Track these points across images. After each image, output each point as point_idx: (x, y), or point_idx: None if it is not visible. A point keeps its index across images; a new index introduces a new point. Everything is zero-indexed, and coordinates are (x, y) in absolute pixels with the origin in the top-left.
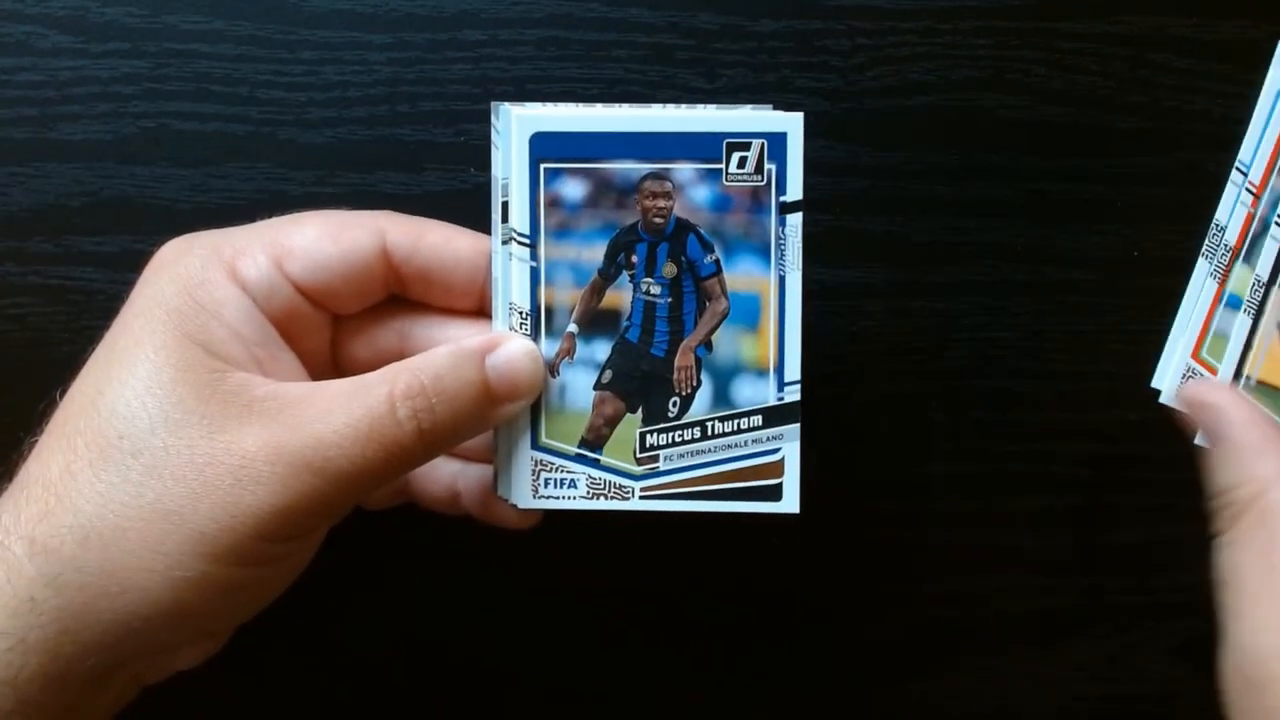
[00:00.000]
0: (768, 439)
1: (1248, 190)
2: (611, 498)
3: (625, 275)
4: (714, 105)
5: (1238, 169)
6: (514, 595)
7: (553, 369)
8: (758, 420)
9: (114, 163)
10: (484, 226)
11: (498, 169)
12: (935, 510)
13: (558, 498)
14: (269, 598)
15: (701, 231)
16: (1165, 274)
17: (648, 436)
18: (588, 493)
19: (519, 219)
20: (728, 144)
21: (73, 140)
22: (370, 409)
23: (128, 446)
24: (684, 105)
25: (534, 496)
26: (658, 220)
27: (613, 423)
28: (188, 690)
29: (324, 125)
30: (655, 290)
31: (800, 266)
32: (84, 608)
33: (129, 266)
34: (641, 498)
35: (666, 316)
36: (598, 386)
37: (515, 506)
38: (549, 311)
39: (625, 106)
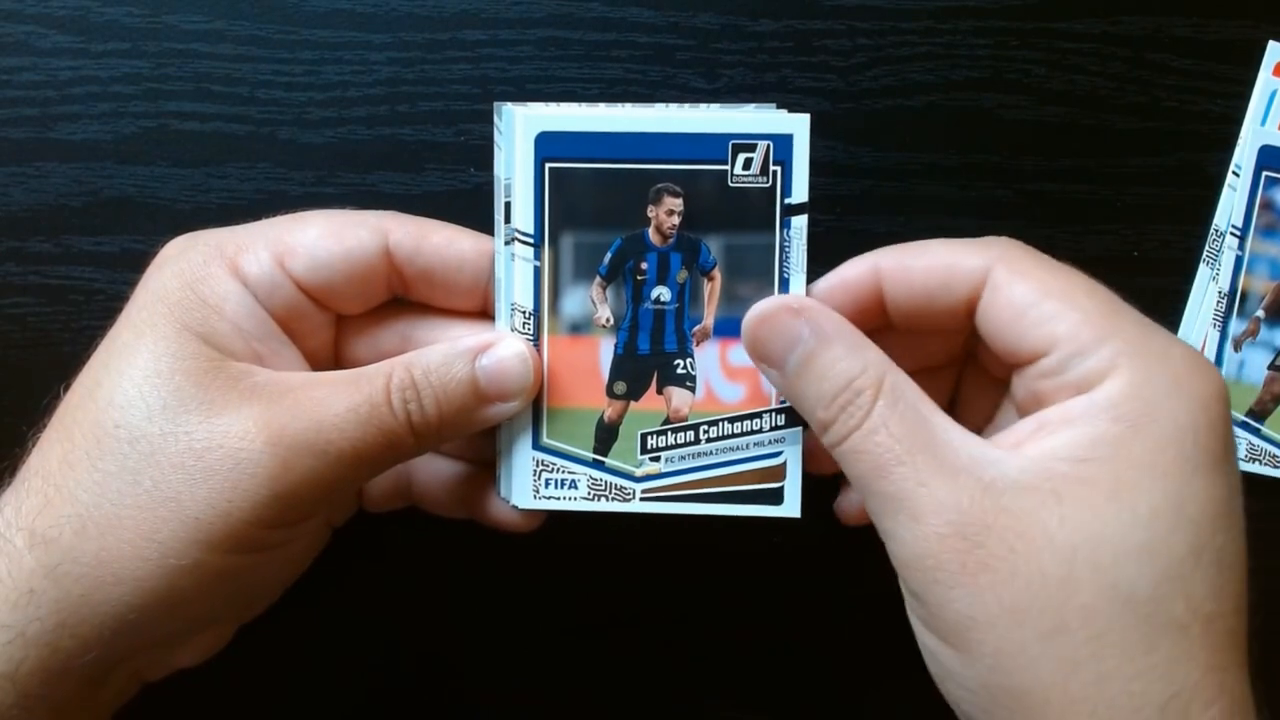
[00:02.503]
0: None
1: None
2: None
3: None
4: (718, 104)
5: (1234, 172)
6: (514, 597)
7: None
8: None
9: (114, 163)
10: (484, 226)
11: (500, 169)
12: None
13: (558, 498)
14: (269, 593)
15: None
16: (1165, 274)
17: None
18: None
19: (522, 219)
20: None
21: (73, 140)
22: (370, 396)
23: (124, 435)
24: (688, 105)
25: (534, 497)
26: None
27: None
28: (189, 688)
29: (324, 125)
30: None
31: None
32: (81, 600)
33: (129, 266)
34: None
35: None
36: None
37: (516, 507)
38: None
39: (629, 106)
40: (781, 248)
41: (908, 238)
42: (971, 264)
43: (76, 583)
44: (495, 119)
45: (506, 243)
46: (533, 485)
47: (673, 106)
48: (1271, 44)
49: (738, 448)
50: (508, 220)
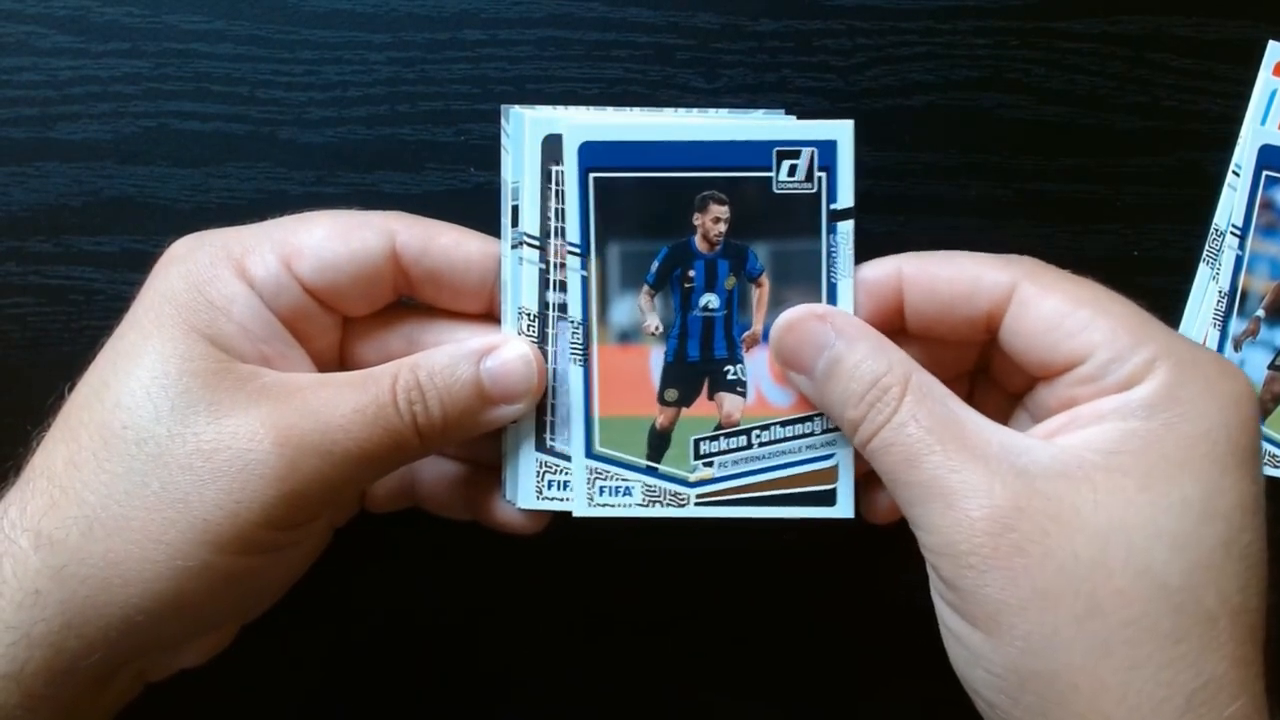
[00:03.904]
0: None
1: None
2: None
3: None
4: (725, 110)
5: (1234, 171)
6: (516, 597)
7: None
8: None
9: (114, 163)
10: (484, 227)
11: (508, 172)
12: None
13: (562, 500)
14: (272, 594)
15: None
16: (1165, 274)
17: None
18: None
19: (529, 222)
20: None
21: (73, 140)
22: (376, 397)
23: (132, 436)
24: (695, 110)
25: (538, 498)
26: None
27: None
28: (191, 688)
29: (324, 125)
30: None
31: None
32: (86, 601)
33: (129, 266)
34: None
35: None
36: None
37: (519, 509)
38: None
39: (639, 111)
40: (829, 253)
41: (908, 238)
42: (996, 278)
43: (82, 584)
44: (503, 122)
45: (514, 246)
46: (536, 486)
47: (710, 112)
48: (1271, 44)
49: (789, 451)
50: (515, 224)
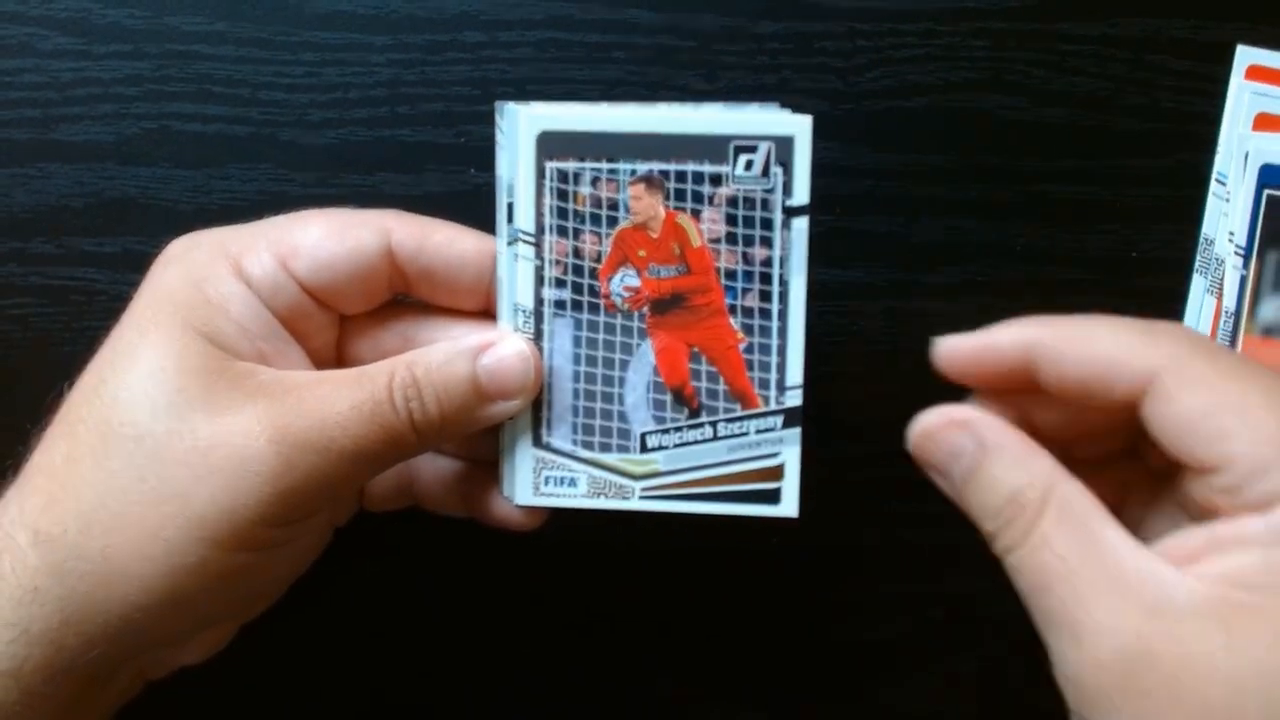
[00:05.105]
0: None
1: (1228, 200)
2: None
3: None
4: (721, 103)
5: (1218, 180)
6: (515, 596)
7: None
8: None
9: (115, 164)
10: (484, 228)
11: (502, 169)
12: (934, 510)
13: (558, 495)
14: (271, 592)
15: None
16: (1165, 274)
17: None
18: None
19: (524, 219)
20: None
21: (75, 141)
22: (372, 394)
23: (129, 433)
24: (690, 104)
25: (535, 494)
26: None
27: None
28: (191, 686)
29: (325, 127)
30: None
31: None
32: (85, 597)
33: (130, 267)
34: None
35: None
36: None
37: (517, 505)
38: None
39: (632, 106)
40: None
41: (908, 238)
42: (1135, 367)
43: (81, 580)
44: (497, 118)
45: (509, 243)
46: (533, 483)
47: (676, 106)
48: (1241, 47)
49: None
50: (510, 220)
